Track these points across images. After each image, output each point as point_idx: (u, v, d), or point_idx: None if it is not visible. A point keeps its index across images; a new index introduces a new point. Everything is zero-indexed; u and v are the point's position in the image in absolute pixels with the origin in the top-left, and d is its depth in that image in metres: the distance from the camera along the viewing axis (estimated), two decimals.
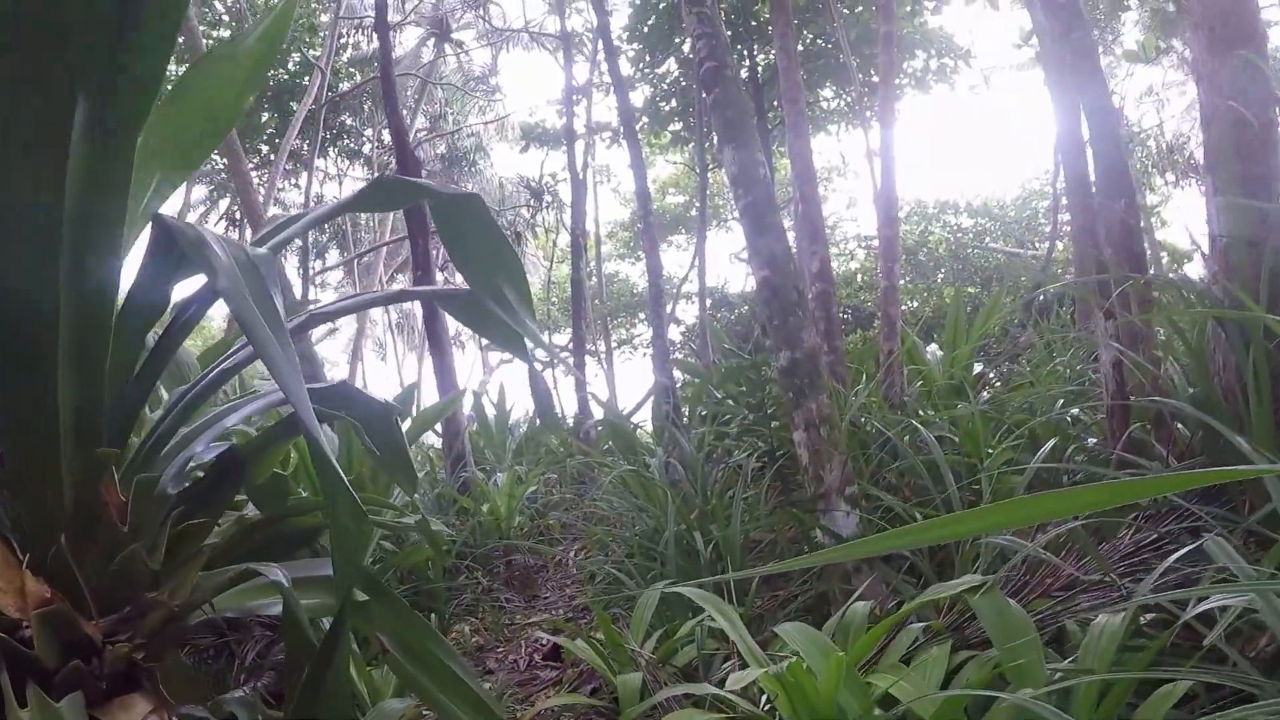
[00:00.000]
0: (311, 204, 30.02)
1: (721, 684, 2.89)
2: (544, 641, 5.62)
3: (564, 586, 7.33)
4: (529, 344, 2.83)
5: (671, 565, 4.83)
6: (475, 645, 6.05)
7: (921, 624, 2.93)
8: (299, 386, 1.84)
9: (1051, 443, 4.28)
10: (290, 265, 24.32)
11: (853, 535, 4.23)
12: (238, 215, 24.88)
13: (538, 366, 2.94)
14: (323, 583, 2.73)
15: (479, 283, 2.64)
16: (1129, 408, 4.12)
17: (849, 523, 4.26)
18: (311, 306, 4.14)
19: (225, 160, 16.95)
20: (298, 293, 20.23)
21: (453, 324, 38.04)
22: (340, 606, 2.06)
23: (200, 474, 2.85)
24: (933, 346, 9.02)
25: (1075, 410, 5.06)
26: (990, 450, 4.70)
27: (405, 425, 6.41)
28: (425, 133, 29.82)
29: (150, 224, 2.26)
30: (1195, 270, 5.94)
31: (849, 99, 16.93)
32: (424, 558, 5.52)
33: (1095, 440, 4.55)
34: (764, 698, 2.89)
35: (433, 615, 5.95)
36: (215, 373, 2.64)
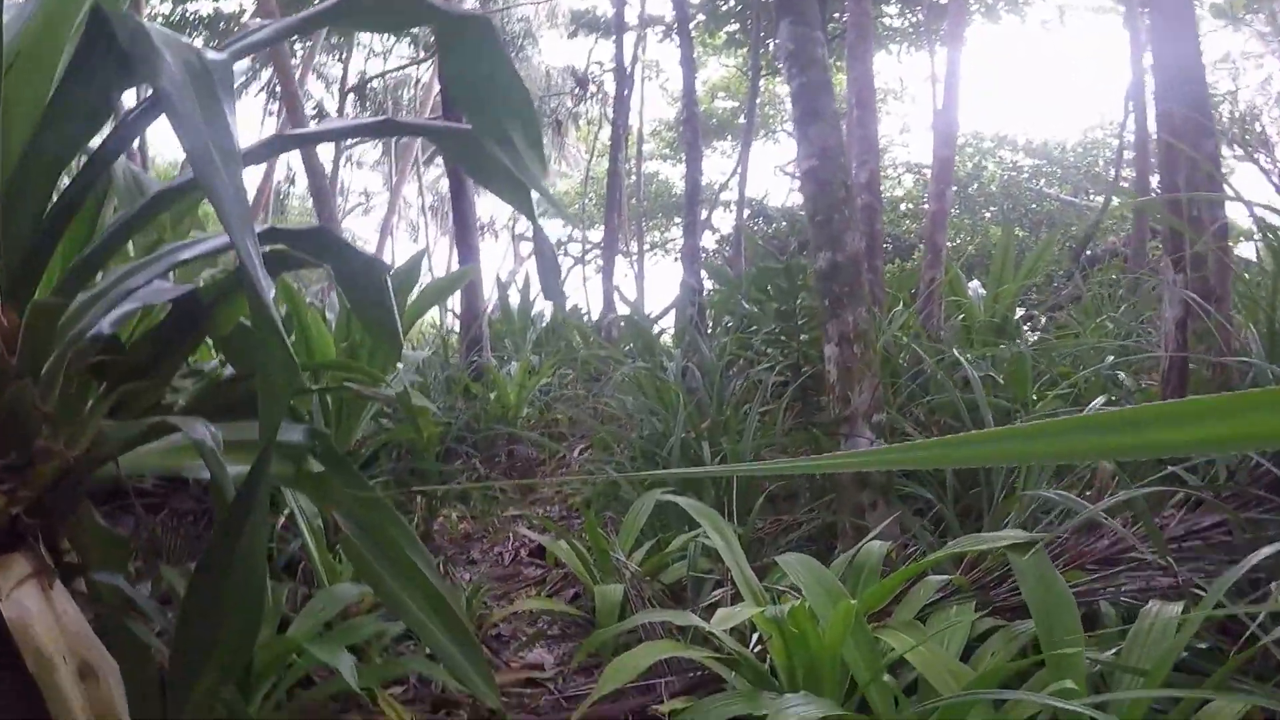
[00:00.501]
0: (355, 79, 29.64)
1: (710, 613, 2.56)
2: (532, 539, 5.34)
3: (562, 484, 7.04)
4: (535, 198, 2.46)
5: (676, 464, 4.50)
6: (462, 533, 5.78)
7: (942, 578, 2.56)
8: (240, 217, 1.54)
9: (1101, 399, 3.91)
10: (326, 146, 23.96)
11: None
12: (277, 89, 24.39)
13: (543, 226, 2.56)
14: (278, 449, 2.38)
15: (483, 122, 2.27)
16: (1187, 369, 3.75)
17: None
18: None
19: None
20: (328, 169, 19.85)
21: (485, 210, 37.71)
22: (256, 466, 1.73)
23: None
24: (974, 284, 8.60)
25: (1122, 375, 4.68)
26: (1035, 399, 4.34)
27: (413, 296, 6.05)
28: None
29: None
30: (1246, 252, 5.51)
31: (915, 18, 16.30)
32: (422, 436, 5.22)
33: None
34: (754, 637, 2.55)
35: (419, 497, 5.64)
36: (157, 194, 2.28)
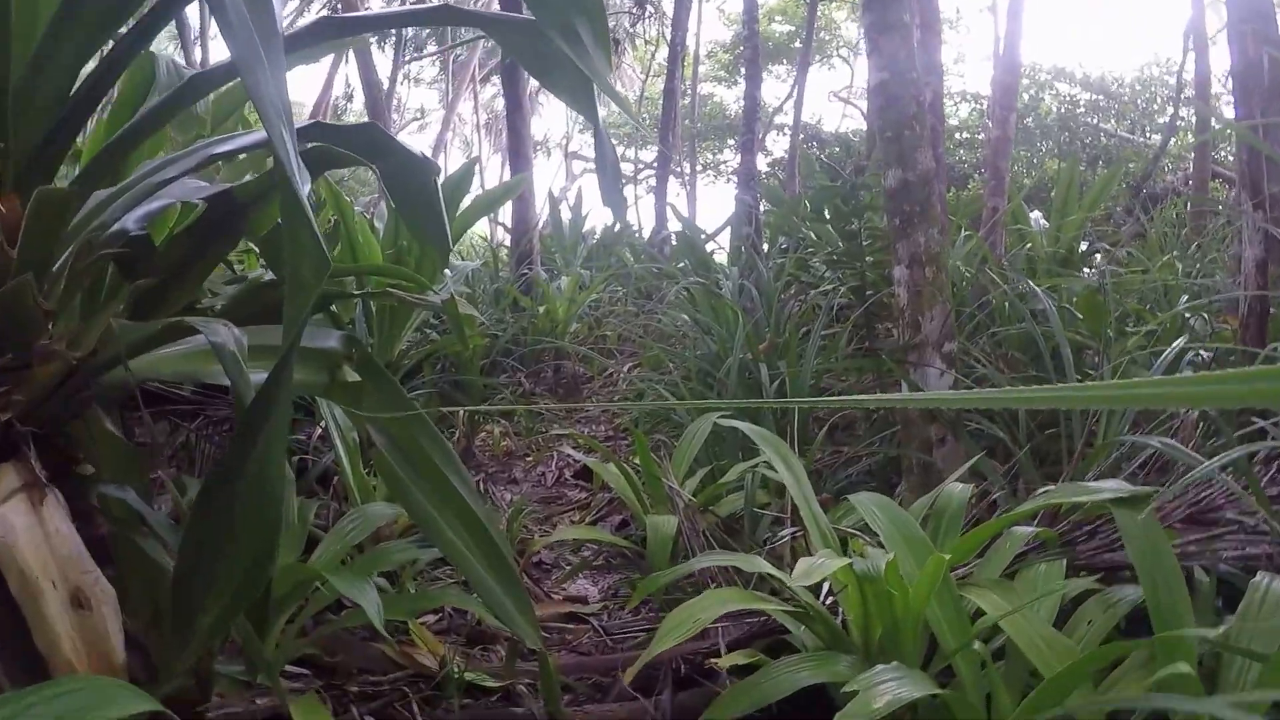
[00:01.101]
0: None
1: (774, 557, 2.34)
2: (577, 459, 5.17)
3: (610, 402, 6.85)
4: (598, 94, 2.22)
5: (731, 398, 4.28)
6: (504, 450, 5.60)
7: (1027, 529, 2.30)
8: (276, 100, 1.36)
9: (1181, 340, 3.64)
10: (383, 57, 23.57)
11: None
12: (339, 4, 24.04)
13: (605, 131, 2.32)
14: (310, 355, 2.16)
15: (547, 13, 2.03)
16: (1268, 312, 3.49)
17: (942, 384, 3.67)
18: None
19: None
20: (385, 85, 19.50)
21: (539, 128, 37.34)
22: (277, 368, 1.51)
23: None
24: (1035, 215, 8.26)
25: (1192, 316, 4.41)
26: (1111, 335, 4.07)
27: (464, 205, 5.83)
28: None
29: None
30: None
31: None
32: (467, 345, 5.04)
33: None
34: (825, 588, 2.31)
35: (461, 412, 5.46)
36: (190, 79, 2.06)
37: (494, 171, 34.15)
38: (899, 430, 3.79)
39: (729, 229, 8.38)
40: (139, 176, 2.10)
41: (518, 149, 9.10)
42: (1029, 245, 6.63)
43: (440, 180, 2.56)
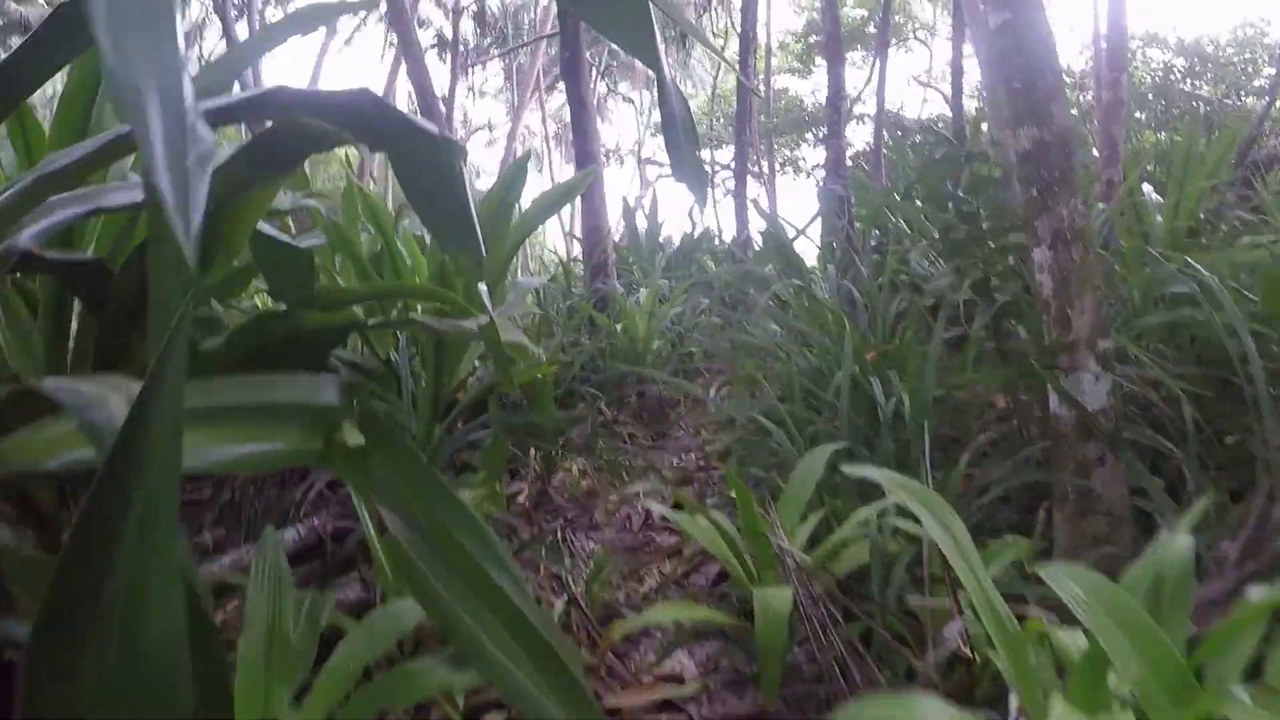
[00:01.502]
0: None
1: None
2: (666, 494, 4.58)
3: (700, 428, 6.24)
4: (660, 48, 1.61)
5: (844, 422, 3.62)
6: (585, 490, 5.00)
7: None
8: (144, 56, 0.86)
9: None
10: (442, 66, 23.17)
11: (1100, 409, 2.98)
12: None
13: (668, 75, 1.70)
14: (295, 413, 1.56)
15: None
16: None
17: (1097, 391, 3.00)
18: None
19: None
20: (441, 91, 19.17)
21: (610, 136, 36.83)
22: (126, 436, 0.91)
23: None
24: (1145, 187, 7.48)
25: None
26: None
27: (523, 207, 5.24)
28: None
29: None
30: None
31: None
32: (512, 381, 4.51)
33: None
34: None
35: (533, 451, 4.89)
36: None
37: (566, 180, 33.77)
38: (1046, 449, 3.14)
39: (818, 225, 7.66)
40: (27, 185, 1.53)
41: (585, 149, 8.52)
42: (1159, 219, 5.90)
43: (473, 174, 1.97)
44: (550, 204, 5.15)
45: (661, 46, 1.61)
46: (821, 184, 7.59)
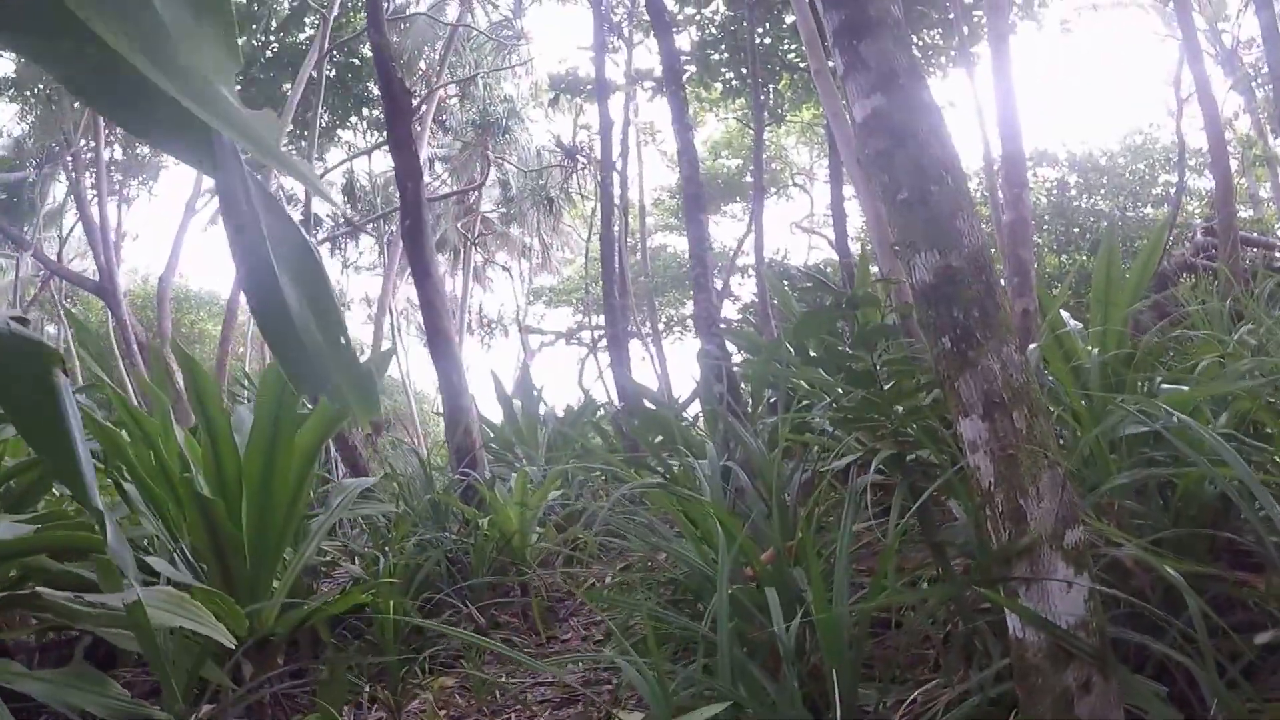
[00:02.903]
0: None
1: None
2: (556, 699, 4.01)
3: (591, 628, 5.38)
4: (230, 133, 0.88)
5: (723, 668, 2.79)
6: (450, 719, 4.12)
7: None
8: None
9: None
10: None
11: (1078, 622, 2.23)
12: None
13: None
14: None
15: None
16: None
17: (1072, 601, 2.24)
18: None
19: None
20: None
21: (490, 305, 36.19)
22: None
23: None
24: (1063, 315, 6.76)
25: None
26: None
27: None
28: (455, 99, 27.88)
29: None
30: None
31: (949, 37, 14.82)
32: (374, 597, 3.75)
33: None
34: None
35: (368, 689, 4.07)
36: None
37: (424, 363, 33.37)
38: (1013, 682, 2.37)
39: (700, 394, 6.80)
40: None
41: (435, 324, 7.73)
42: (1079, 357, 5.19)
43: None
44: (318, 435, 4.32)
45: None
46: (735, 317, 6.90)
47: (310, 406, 4.17)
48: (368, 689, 4.22)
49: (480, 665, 4.60)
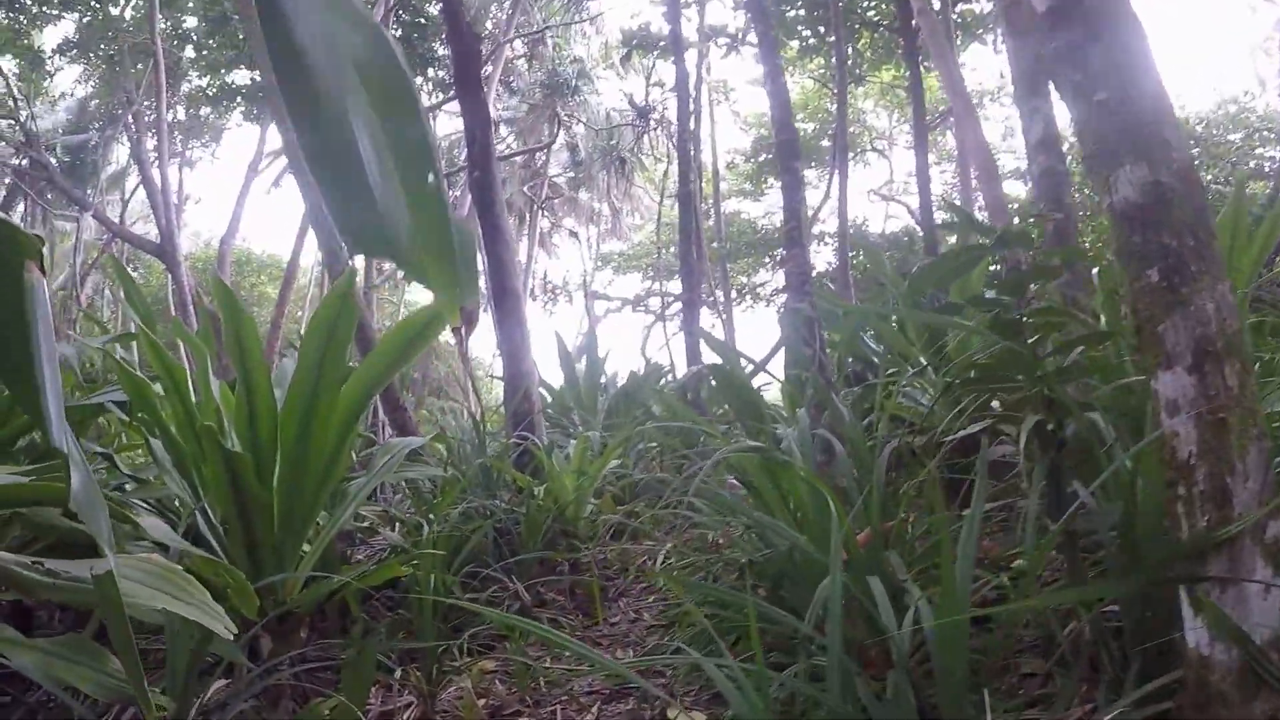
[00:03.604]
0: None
1: None
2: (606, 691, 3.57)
3: (642, 611, 4.88)
4: None
5: (835, 670, 2.25)
6: (488, 709, 3.63)
7: None
8: None
9: None
10: None
11: (1273, 638, 1.70)
12: None
13: None
14: None
15: None
16: None
17: (1269, 610, 1.71)
18: None
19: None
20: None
21: (555, 272, 35.76)
22: None
23: None
24: None
25: None
26: None
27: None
28: (523, 59, 27.38)
29: None
30: None
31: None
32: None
33: None
34: None
35: (399, 672, 3.62)
36: None
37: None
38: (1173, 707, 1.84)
39: (782, 355, 6.13)
40: None
41: (502, 284, 7.23)
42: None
43: None
44: (398, 350, 3.77)
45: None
46: (783, 308, 6.25)
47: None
48: (399, 674, 3.75)
49: (523, 649, 4.12)
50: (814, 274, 20.03)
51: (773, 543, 3.01)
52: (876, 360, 5.38)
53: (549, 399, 10.10)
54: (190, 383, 3.49)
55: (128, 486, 4.00)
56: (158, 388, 3.51)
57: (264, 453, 3.45)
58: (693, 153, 11.63)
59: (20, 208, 28.86)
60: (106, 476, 4.17)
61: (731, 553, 3.92)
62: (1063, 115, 5.48)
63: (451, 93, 23.83)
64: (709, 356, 10.08)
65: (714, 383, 5.57)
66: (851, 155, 25.50)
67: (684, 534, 5.24)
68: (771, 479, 3.12)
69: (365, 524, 5.46)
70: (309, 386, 3.38)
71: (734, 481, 4.46)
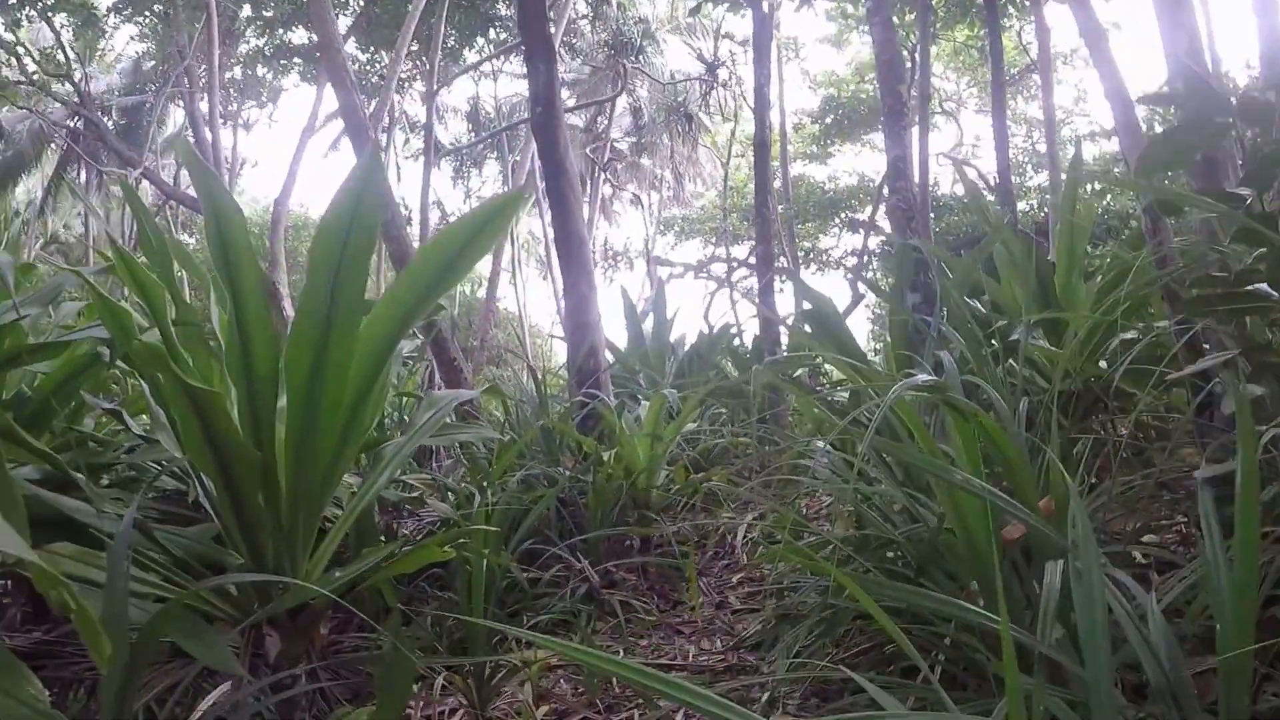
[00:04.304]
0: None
1: None
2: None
3: (725, 591, 4.28)
4: None
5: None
6: (552, 716, 3.03)
7: None
8: None
9: None
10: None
11: None
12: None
13: None
14: None
15: None
16: None
17: None
18: None
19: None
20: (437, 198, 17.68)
21: (616, 239, 35.29)
22: None
23: None
24: None
25: None
26: None
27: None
28: (586, 19, 26.75)
29: None
30: None
31: None
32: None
33: None
34: None
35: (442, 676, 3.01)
36: None
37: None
38: None
39: (892, 298, 5.35)
40: None
41: (566, 227, 6.67)
42: None
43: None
44: (462, 243, 2.79)
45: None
46: (877, 249, 5.56)
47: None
48: (442, 676, 3.12)
49: (590, 638, 3.53)
50: (878, 242, 19.12)
51: (920, 516, 2.35)
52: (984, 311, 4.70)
53: (612, 358, 9.52)
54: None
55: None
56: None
57: (261, 398, 2.60)
58: (765, 85, 10.98)
59: (78, 173, 28.70)
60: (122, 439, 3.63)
61: (831, 530, 3.28)
62: None
63: (512, 56, 23.31)
64: (785, 315, 9.43)
65: (808, 328, 4.88)
66: (918, 117, 24.86)
67: (755, 507, 4.66)
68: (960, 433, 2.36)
69: (415, 494, 4.84)
70: (320, 315, 2.47)
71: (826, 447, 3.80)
